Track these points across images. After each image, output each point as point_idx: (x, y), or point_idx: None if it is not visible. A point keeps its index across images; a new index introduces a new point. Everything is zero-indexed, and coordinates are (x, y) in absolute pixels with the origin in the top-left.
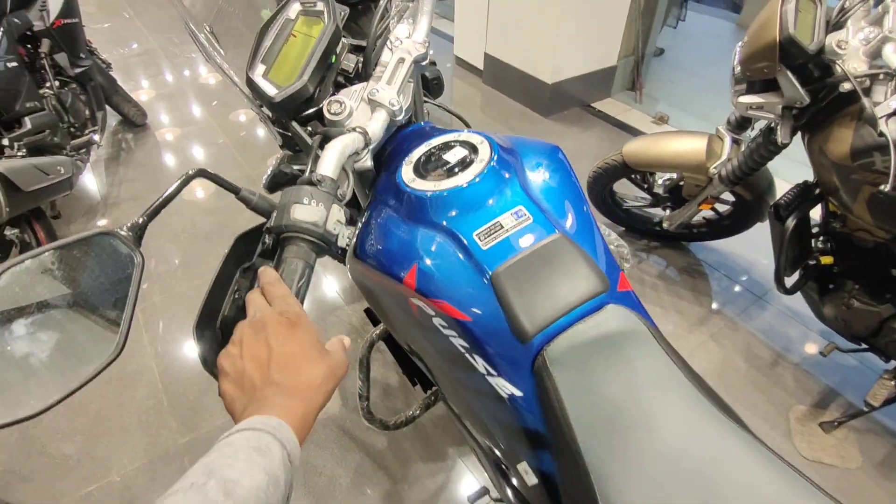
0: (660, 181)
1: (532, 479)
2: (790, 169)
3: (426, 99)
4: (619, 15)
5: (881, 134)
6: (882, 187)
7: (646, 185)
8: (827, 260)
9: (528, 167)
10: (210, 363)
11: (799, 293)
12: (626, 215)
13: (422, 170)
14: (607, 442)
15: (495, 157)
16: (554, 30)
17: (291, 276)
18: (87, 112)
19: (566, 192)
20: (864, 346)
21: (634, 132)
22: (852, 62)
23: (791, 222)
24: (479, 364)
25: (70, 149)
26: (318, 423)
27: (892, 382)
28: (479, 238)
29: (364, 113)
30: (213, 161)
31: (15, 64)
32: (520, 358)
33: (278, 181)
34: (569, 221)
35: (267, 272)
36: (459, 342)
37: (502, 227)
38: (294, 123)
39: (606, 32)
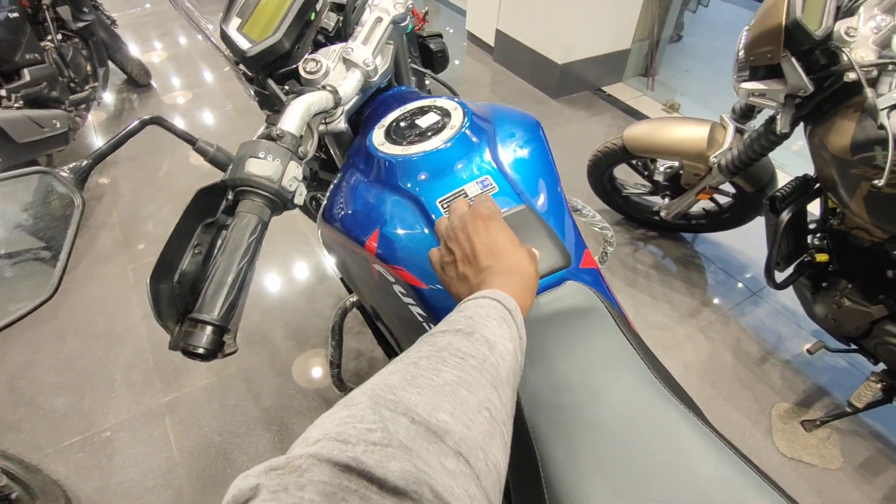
0: (661, 168)
1: None
2: (797, 164)
3: (427, 71)
4: None
5: (881, 126)
6: (875, 182)
7: (646, 172)
8: (822, 257)
9: (502, 137)
10: (164, 316)
11: (792, 290)
12: (625, 202)
13: (393, 134)
14: (553, 417)
15: (467, 124)
16: (567, 7)
17: (243, 231)
18: (88, 67)
19: (539, 166)
20: (853, 346)
21: (644, 119)
22: (860, 51)
23: (786, 215)
24: None
25: (69, 104)
26: (299, 391)
27: (878, 385)
28: (442, 205)
29: (341, 73)
30: (216, 124)
31: (17, 15)
32: None
33: None
34: (537, 195)
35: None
36: (417, 310)
37: (467, 195)
38: (270, 81)
39: (621, 13)
